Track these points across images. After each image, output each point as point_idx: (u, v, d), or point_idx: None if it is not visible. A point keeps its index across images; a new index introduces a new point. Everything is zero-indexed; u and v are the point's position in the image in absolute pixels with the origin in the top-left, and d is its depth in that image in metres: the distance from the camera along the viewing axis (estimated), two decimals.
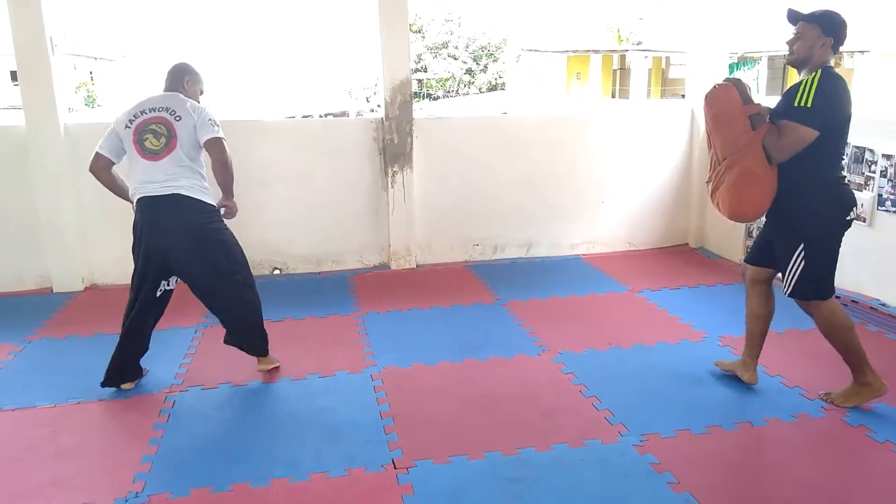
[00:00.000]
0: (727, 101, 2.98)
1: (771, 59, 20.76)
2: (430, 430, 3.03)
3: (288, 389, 3.44)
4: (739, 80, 3.06)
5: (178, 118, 3.28)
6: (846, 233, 3.04)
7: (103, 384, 3.37)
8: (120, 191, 3.44)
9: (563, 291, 4.82)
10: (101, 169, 3.39)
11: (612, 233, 5.75)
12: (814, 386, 3.34)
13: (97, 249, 5.00)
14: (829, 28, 2.93)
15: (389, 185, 5.24)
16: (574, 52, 23.96)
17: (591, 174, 5.62)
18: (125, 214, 4.97)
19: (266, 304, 4.56)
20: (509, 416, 3.14)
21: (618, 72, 24.49)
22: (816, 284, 3.03)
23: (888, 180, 4.03)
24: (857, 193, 4.20)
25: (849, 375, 3.17)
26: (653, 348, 3.85)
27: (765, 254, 3.23)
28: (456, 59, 29.68)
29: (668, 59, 23.77)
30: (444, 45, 29.73)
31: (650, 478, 2.67)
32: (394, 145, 5.18)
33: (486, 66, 29.94)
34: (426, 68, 29.22)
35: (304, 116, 16.69)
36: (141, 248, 3.33)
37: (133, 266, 3.42)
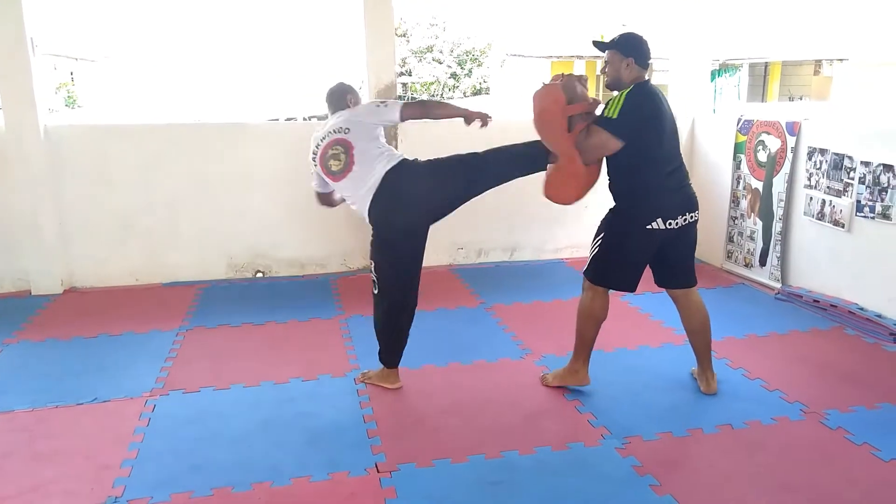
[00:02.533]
0: (550, 102, 3.11)
1: (752, 66, 21.00)
2: (414, 434, 3.03)
3: (270, 393, 3.41)
4: (571, 76, 3.16)
5: (346, 131, 3.30)
6: (668, 238, 3.18)
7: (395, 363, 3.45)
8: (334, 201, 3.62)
9: (547, 295, 4.83)
10: (326, 203, 3.61)
11: None
12: (793, 389, 3.38)
13: (77, 252, 4.95)
14: (626, 49, 3.11)
15: None
16: (558, 57, 24.08)
17: None
18: (105, 217, 4.95)
19: (248, 308, 4.56)
20: (492, 420, 3.14)
21: (601, 77, 24.68)
22: (598, 269, 3.26)
23: (866, 187, 4.09)
24: (835, 200, 4.29)
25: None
26: (635, 352, 3.88)
27: (663, 275, 3.42)
28: (441, 63, 29.70)
29: (650, 65, 23.97)
30: (429, 49, 29.75)
31: (632, 480, 2.68)
32: None
33: (470, 71, 29.99)
34: (411, 72, 29.21)
35: (288, 119, 16.61)
36: (401, 245, 3.30)
37: (389, 271, 3.33)
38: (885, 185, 3.97)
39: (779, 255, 4.79)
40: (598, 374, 3.58)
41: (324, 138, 3.34)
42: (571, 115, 3.06)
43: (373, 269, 3.35)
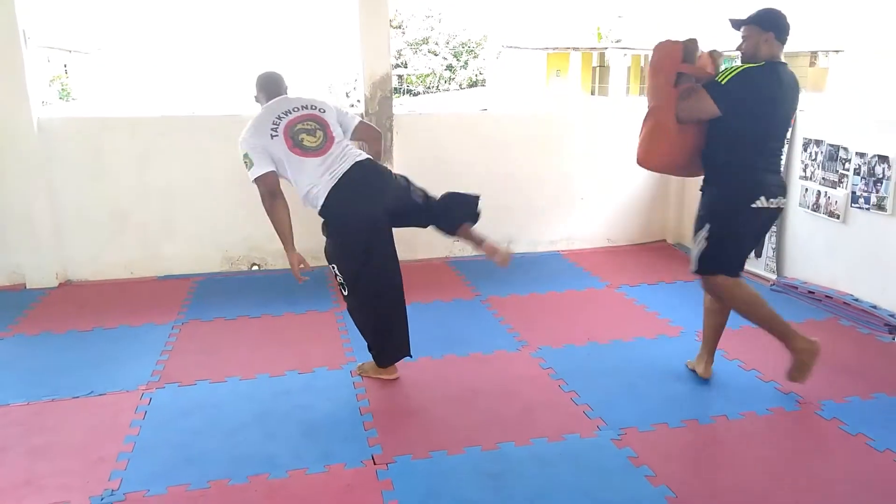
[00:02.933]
0: (666, 54, 3.14)
1: None
2: (410, 426, 3.03)
3: (266, 386, 3.41)
4: (695, 40, 3.15)
5: (322, 110, 3.24)
6: (766, 219, 3.19)
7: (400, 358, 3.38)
8: (287, 225, 3.23)
9: (543, 287, 4.84)
10: (276, 185, 3.20)
11: (591, 229, 5.78)
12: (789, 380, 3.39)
13: (71, 245, 4.93)
14: (766, 23, 3.07)
15: None
16: (554, 49, 24.03)
17: (570, 171, 5.64)
18: (100, 209, 4.93)
19: (244, 301, 4.55)
20: (489, 412, 3.15)
21: (597, 69, 24.60)
22: (719, 261, 3.17)
23: (861, 178, 4.09)
24: (831, 191, 4.29)
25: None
26: (631, 343, 3.88)
27: None
28: (436, 55, 29.62)
29: (646, 56, 23.92)
30: (425, 41, 29.66)
31: (628, 471, 2.69)
32: None
33: (466, 63, 29.93)
34: (406, 64, 29.14)
35: None
36: (362, 236, 3.14)
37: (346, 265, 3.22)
38: (880, 175, 3.97)
39: (774, 246, 4.80)
40: (594, 366, 3.59)
41: (288, 112, 3.19)
42: (681, 72, 3.08)
43: (336, 271, 3.24)
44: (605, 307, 4.50)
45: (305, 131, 3.16)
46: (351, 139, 3.36)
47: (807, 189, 4.50)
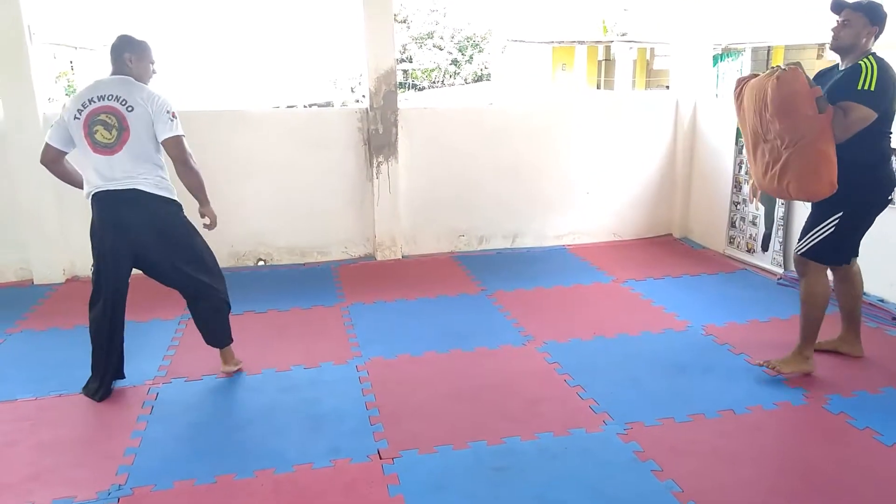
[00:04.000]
0: (797, 85, 2.99)
1: (755, 50, 20.86)
2: (416, 421, 3.03)
3: (272, 381, 3.42)
4: (800, 63, 3.08)
5: (129, 108, 3.01)
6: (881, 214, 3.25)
7: (96, 393, 3.22)
8: (75, 182, 3.24)
9: (549, 282, 4.83)
10: (52, 161, 3.17)
11: (596, 223, 5.76)
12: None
13: (78, 241, 4.92)
14: (875, 17, 3.06)
15: (374, 176, 5.22)
16: (559, 42, 23.94)
17: (576, 165, 5.63)
18: None
19: (250, 296, 4.55)
20: (494, 406, 3.14)
21: (603, 63, 24.50)
22: (838, 251, 3.25)
23: None
24: None
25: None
26: (637, 337, 3.87)
27: None
28: (441, 49, 29.55)
29: (652, 50, 23.79)
30: (430, 36, 29.59)
31: (634, 466, 2.69)
32: (379, 136, 5.16)
33: (471, 57, 29.84)
34: (411, 58, 29.08)
35: (289, 106, 16.54)
36: (106, 247, 3.12)
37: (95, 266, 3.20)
38: None
39: (781, 240, 4.77)
40: (600, 361, 3.59)
41: (95, 100, 3.03)
42: (818, 97, 2.99)
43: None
44: (612, 301, 4.49)
45: (102, 124, 3.01)
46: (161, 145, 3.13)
47: None
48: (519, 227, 5.67)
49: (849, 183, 3.08)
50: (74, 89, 21.75)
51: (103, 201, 3.07)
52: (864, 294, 4.09)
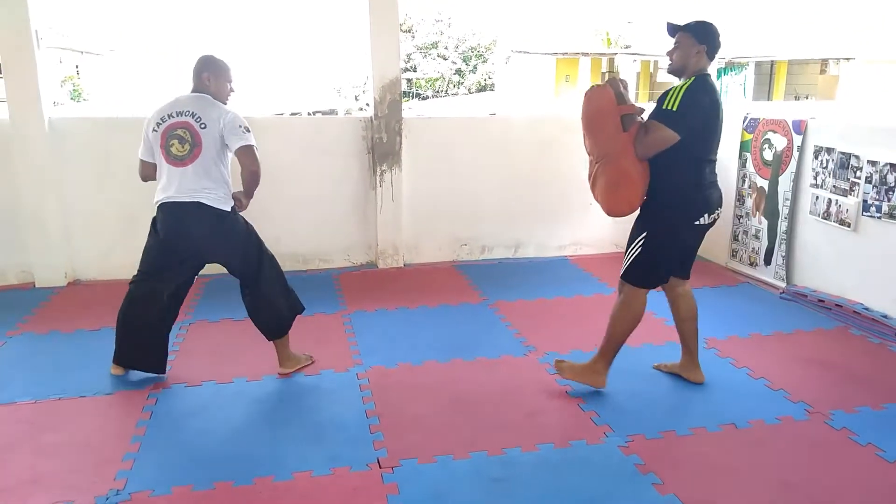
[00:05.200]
0: (605, 101, 3.04)
1: (758, 64, 20.93)
2: (416, 430, 3.02)
3: (273, 388, 3.41)
4: (615, 78, 3.11)
5: (203, 126, 3.18)
6: (706, 234, 3.20)
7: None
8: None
9: (550, 292, 4.82)
10: (149, 176, 3.37)
11: (599, 234, 5.76)
12: (798, 389, 3.37)
13: (81, 244, 4.96)
14: (702, 36, 3.06)
15: (378, 184, 5.23)
16: (563, 54, 24.03)
17: (578, 176, 5.60)
18: (109, 209, 4.95)
19: None
20: (495, 417, 3.13)
21: (606, 75, 24.60)
22: (642, 271, 3.17)
23: (873, 186, 4.06)
24: (842, 199, 4.27)
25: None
26: (639, 349, 3.86)
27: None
28: (446, 59, 29.67)
29: (656, 62, 23.89)
30: (434, 46, 29.72)
31: (635, 478, 2.67)
32: (382, 144, 5.17)
33: (475, 67, 29.96)
34: (416, 68, 29.19)
35: (293, 114, 16.60)
36: (170, 247, 3.31)
37: (147, 261, 3.39)
38: (892, 184, 3.94)
39: (784, 254, 4.77)
40: None
41: (173, 115, 3.22)
42: (623, 114, 3.01)
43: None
44: None
45: (178, 138, 3.20)
46: (233, 154, 3.29)
47: (817, 197, 4.48)
48: (521, 237, 5.67)
49: (657, 203, 3.10)
50: (80, 94, 21.84)
51: (168, 210, 3.24)
52: (867, 309, 4.11)
